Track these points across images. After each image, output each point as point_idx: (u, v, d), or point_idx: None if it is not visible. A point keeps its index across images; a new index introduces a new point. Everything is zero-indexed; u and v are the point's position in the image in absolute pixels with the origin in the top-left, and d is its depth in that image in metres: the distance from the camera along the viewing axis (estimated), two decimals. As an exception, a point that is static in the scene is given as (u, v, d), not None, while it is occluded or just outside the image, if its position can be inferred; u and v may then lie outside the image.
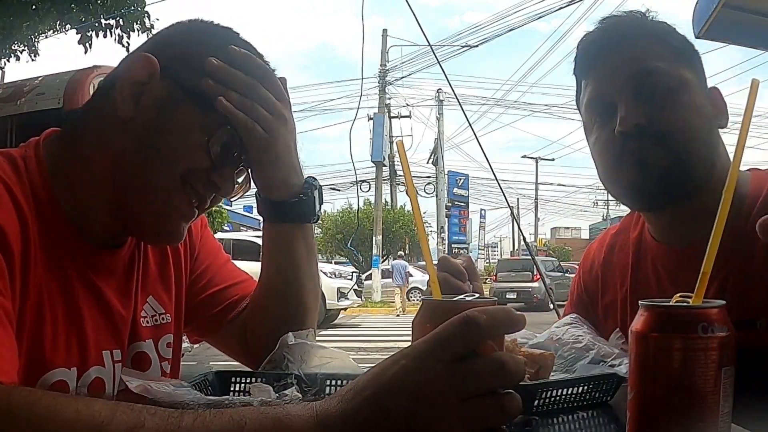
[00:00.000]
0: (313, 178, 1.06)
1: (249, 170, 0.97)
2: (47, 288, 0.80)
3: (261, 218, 1.07)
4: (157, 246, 1.01)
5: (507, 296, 16.90)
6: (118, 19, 7.04)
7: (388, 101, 26.37)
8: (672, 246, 1.07)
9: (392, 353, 0.56)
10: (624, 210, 1.25)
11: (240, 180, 0.96)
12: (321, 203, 1.06)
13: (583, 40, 1.11)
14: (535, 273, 18.15)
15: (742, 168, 1.07)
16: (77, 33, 6.84)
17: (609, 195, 1.18)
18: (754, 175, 1.06)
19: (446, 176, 26.99)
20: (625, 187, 1.06)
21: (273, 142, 0.94)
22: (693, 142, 1.00)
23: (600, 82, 1.07)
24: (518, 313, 0.55)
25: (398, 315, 16.49)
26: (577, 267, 1.41)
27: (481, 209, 40.89)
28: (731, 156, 0.60)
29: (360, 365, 0.98)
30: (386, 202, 31.41)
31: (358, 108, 9.75)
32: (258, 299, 1.07)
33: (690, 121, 1.01)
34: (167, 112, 0.85)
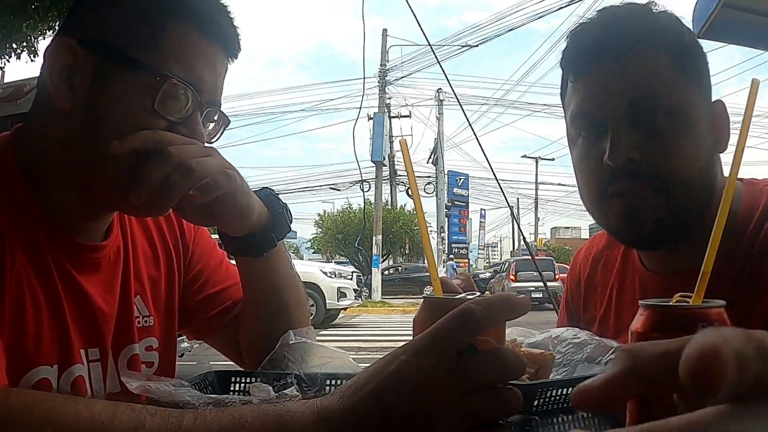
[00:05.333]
0: (276, 199, 1.01)
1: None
2: (28, 283, 0.78)
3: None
4: (144, 218, 0.98)
5: (533, 295, 16.91)
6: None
7: (388, 101, 26.38)
8: (660, 272, 1.02)
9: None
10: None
11: (215, 118, 0.91)
12: (290, 221, 1.02)
13: (576, 35, 0.98)
14: (556, 273, 18.35)
15: (742, 168, 1.04)
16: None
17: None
18: (747, 189, 0.98)
19: (446, 176, 27.01)
20: (612, 226, 0.98)
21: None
22: (689, 182, 0.91)
23: (590, 95, 0.95)
24: (520, 296, 0.55)
25: None
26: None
27: (481, 209, 40.92)
28: (730, 155, 0.60)
29: (360, 365, 0.98)
30: (386, 202, 31.42)
31: (360, 108, 9.77)
32: (245, 316, 1.05)
33: (688, 154, 0.92)
34: (104, 86, 0.81)
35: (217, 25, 0.86)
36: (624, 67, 0.92)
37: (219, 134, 0.94)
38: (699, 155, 0.93)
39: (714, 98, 0.99)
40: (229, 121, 0.95)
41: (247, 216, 0.94)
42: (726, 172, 0.98)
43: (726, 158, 1.00)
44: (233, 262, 1.10)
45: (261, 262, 1.00)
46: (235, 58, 0.91)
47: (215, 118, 0.92)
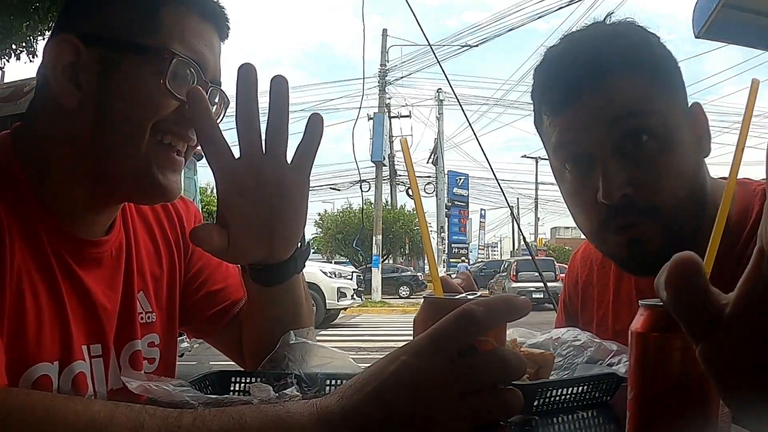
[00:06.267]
0: None
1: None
2: (28, 277, 0.78)
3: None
4: (154, 204, 0.99)
5: (534, 296, 16.77)
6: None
7: (388, 101, 26.39)
8: (656, 273, 1.02)
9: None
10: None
11: (216, 100, 0.92)
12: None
13: (546, 66, 0.97)
14: (558, 273, 18.27)
15: (742, 168, 1.03)
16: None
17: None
18: (741, 190, 0.98)
19: (446, 176, 27.06)
20: (614, 254, 0.98)
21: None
22: (685, 201, 0.92)
23: (572, 128, 0.93)
24: (521, 298, 0.55)
25: None
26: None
27: (481, 209, 40.96)
28: (730, 155, 0.60)
29: (360, 365, 0.98)
30: (386, 202, 31.43)
31: (360, 108, 9.77)
32: (249, 318, 1.02)
33: (680, 174, 0.91)
34: (112, 77, 0.82)
35: (208, 7, 0.89)
36: (602, 100, 0.91)
37: (222, 115, 0.95)
38: (688, 169, 0.93)
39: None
40: (230, 102, 0.95)
41: (304, 222, 0.91)
42: (722, 172, 0.98)
43: (726, 158, 0.99)
44: None
45: (293, 281, 0.96)
46: (227, 39, 0.93)
47: (216, 100, 0.93)
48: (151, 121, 0.83)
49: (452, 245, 27.99)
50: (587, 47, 0.95)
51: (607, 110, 0.90)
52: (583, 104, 0.91)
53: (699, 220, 0.93)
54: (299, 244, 0.95)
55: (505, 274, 22.13)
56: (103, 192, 0.87)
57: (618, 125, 0.90)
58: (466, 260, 29.01)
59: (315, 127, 0.86)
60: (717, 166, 1.02)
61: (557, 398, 0.79)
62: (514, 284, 19.92)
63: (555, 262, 21.32)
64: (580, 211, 0.98)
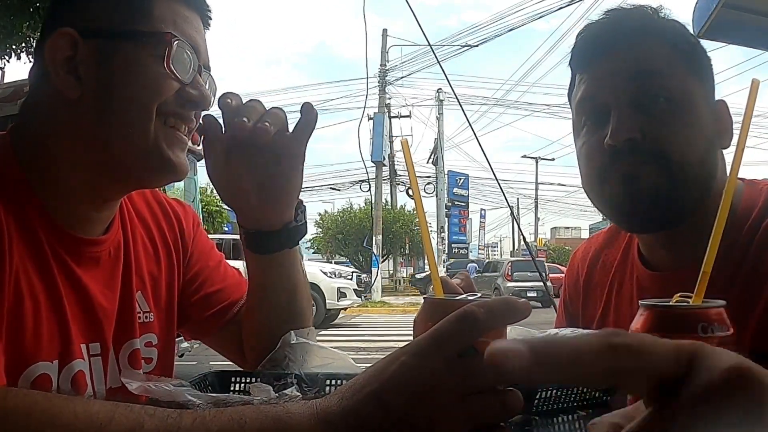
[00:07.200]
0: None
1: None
2: (26, 276, 0.78)
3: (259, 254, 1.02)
4: (164, 184, 1.01)
5: (528, 294, 17.03)
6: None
7: (388, 101, 26.40)
8: (659, 270, 1.02)
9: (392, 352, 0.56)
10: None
11: (207, 85, 0.94)
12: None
13: (584, 31, 1.02)
14: (548, 274, 18.60)
15: (742, 168, 1.04)
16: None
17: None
18: (747, 189, 0.99)
19: (446, 176, 27.04)
20: (610, 204, 0.98)
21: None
22: (690, 164, 0.92)
23: (595, 81, 0.98)
24: (521, 300, 0.54)
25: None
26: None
27: (481, 209, 40.94)
28: (730, 155, 0.60)
29: (360, 365, 0.98)
30: (386, 202, 31.44)
31: (365, 107, 9.79)
32: (252, 315, 1.04)
33: (689, 138, 0.92)
34: (112, 65, 0.83)
35: None
36: (628, 54, 0.95)
37: (213, 101, 0.96)
38: (700, 142, 0.94)
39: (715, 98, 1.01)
40: (217, 88, 0.98)
41: (297, 185, 1.00)
42: (727, 172, 0.98)
43: (727, 158, 1.00)
44: (237, 264, 1.11)
45: (286, 257, 1.01)
46: (209, 27, 0.96)
47: (208, 85, 0.94)
48: (155, 104, 0.84)
49: (452, 245, 27.97)
50: (626, 15, 1.00)
51: (630, 65, 0.94)
52: (609, 57, 0.96)
53: (703, 196, 0.93)
54: (295, 218, 1.01)
55: (497, 274, 22.23)
56: (109, 181, 0.87)
57: (638, 81, 0.93)
58: (465, 259, 29.07)
59: (308, 113, 0.96)
60: (717, 165, 1.03)
61: (557, 398, 0.79)
62: (510, 284, 20.13)
63: (544, 264, 21.74)
64: (587, 159, 0.99)
